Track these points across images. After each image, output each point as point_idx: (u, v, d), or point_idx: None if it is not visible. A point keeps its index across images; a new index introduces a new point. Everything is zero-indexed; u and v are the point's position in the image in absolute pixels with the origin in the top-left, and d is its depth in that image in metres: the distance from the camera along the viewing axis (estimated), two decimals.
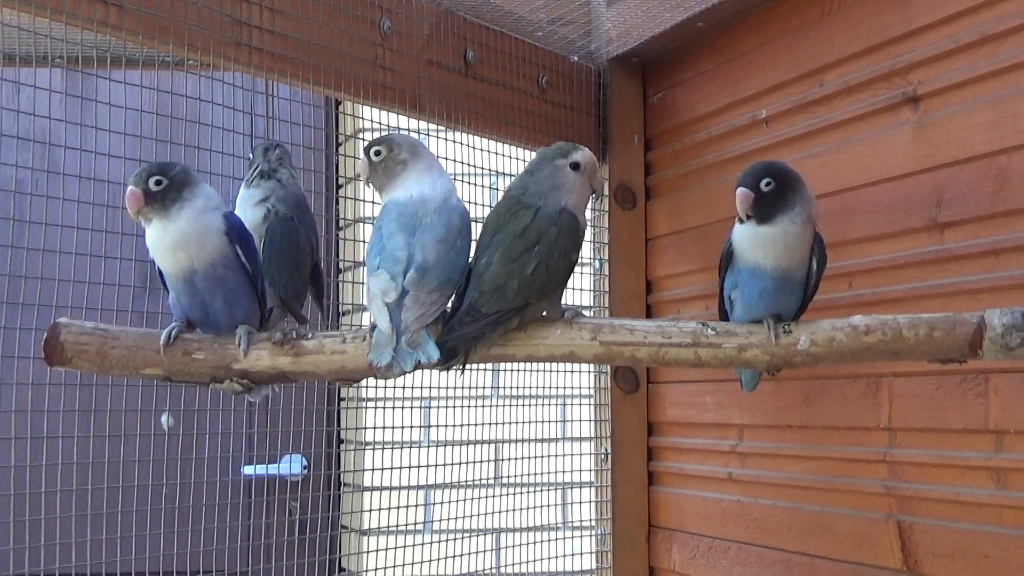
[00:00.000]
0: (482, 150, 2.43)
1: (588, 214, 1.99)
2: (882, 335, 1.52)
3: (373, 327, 1.60)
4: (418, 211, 1.65)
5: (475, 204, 2.40)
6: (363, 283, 1.70)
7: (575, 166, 1.68)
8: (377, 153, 1.70)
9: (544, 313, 1.66)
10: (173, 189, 1.60)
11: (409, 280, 1.57)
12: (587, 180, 1.70)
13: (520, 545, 2.56)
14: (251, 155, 1.94)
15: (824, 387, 2.04)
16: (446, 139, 2.35)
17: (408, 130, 2.39)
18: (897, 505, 1.89)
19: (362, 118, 2.66)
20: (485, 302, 1.60)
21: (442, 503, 2.50)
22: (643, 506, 2.52)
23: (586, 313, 1.69)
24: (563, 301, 1.69)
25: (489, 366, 2.53)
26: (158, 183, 1.59)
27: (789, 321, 1.62)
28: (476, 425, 2.51)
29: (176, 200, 1.60)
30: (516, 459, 2.54)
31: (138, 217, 1.61)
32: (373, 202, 2.17)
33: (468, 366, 1.65)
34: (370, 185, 1.74)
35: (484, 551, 2.55)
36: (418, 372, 1.59)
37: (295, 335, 1.64)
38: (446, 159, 2.34)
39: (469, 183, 2.40)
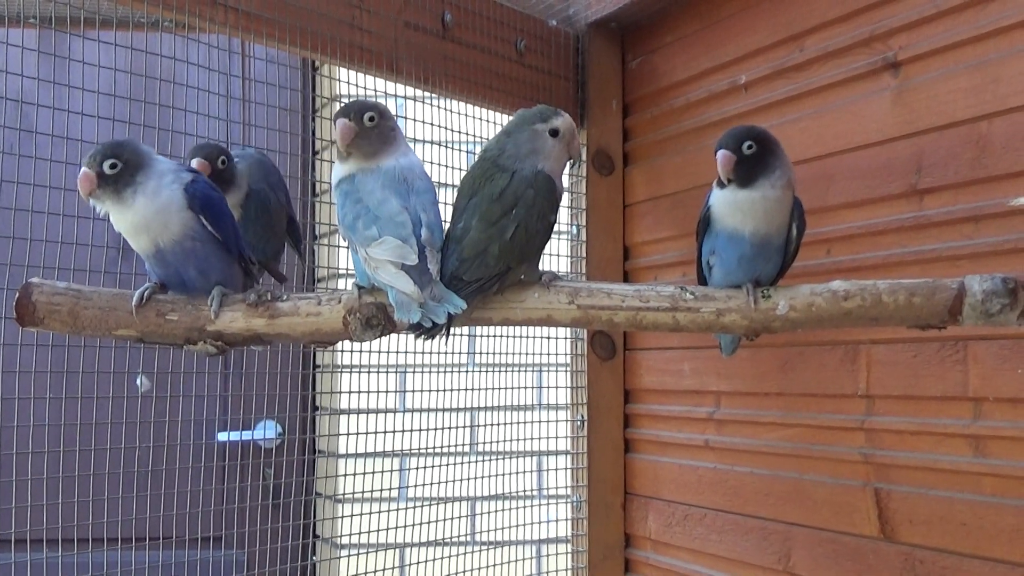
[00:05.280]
0: (460, 114, 2.40)
1: (565, 180, 1.97)
2: (861, 300, 1.52)
3: (360, 287, 1.60)
4: (407, 176, 1.63)
5: (454, 169, 2.38)
6: (347, 249, 1.67)
7: (554, 132, 1.66)
8: (372, 119, 1.63)
9: (522, 277, 1.64)
10: (127, 173, 1.55)
11: (424, 240, 1.55)
12: (565, 146, 1.67)
13: (495, 512, 2.55)
14: None
15: (802, 354, 2.03)
16: (427, 103, 2.33)
17: (386, 94, 2.37)
18: (874, 473, 1.89)
19: (341, 81, 2.63)
20: (467, 270, 1.58)
21: (417, 469, 2.50)
22: (619, 473, 2.52)
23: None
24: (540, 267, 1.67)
25: (466, 333, 2.52)
26: (113, 166, 1.54)
27: (768, 286, 1.61)
28: (452, 391, 2.50)
29: (130, 184, 1.55)
30: (492, 426, 2.53)
31: (89, 199, 1.56)
32: None
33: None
34: (346, 150, 1.65)
35: (459, 517, 2.54)
36: (394, 337, 1.58)
37: (269, 297, 1.63)
38: (424, 123, 2.33)
39: (449, 147, 2.38)
